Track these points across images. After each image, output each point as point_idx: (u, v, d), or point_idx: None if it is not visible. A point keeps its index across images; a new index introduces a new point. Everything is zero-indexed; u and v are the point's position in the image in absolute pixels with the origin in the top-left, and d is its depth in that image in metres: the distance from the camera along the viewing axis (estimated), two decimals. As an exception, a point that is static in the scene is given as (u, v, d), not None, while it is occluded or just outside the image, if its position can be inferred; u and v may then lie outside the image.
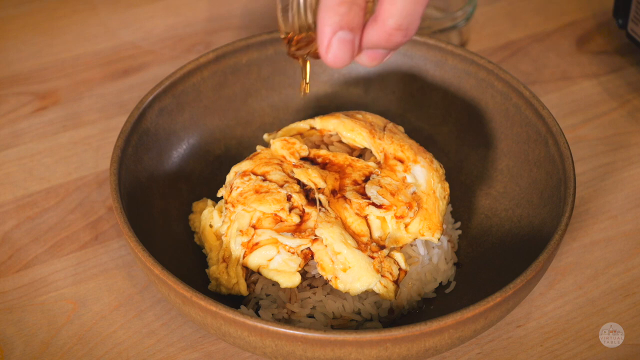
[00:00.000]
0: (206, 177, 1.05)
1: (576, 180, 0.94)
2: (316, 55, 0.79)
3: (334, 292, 0.91)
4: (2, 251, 1.02)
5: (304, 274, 0.91)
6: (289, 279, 0.89)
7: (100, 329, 0.95)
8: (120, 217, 0.88)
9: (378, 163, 0.95)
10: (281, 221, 0.90)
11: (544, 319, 0.96)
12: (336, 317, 0.91)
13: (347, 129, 0.98)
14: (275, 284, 0.92)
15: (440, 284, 0.97)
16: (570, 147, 0.96)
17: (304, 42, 0.81)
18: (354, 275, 0.88)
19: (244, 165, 0.95)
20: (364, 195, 0.92)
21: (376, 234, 0.91)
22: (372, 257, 0.89)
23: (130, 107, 1.14)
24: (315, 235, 0.89)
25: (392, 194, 0.92)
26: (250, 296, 0.93)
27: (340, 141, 0.99)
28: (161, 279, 0.84)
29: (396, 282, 0.89)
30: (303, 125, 1.01)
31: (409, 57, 1.08)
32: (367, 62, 0.75)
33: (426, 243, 0.95)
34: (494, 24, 1.32)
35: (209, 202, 1.00)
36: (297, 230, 0.90)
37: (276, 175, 0.93)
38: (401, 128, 1.01)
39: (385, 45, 0.73)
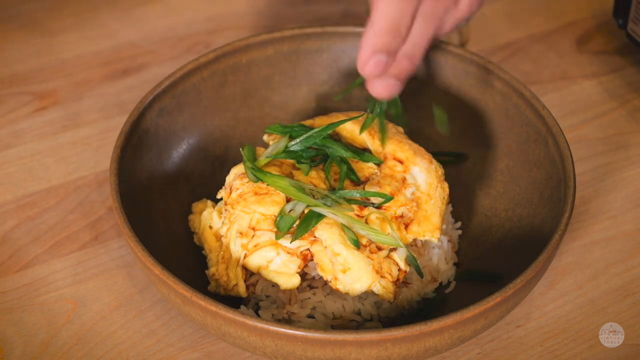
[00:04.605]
0: (206, 177, 1.05)
1: (576, 180, 0.94)
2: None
3: (334, 292, 0.91)
4: (2, 251, 1.02)
5: (303, 274, 0.91)
6: (289, 280, 0.89)
7: (100, 329, 0.95)
8: (120, 217, 0.88)
9: (377, 164, 0.95)
10: (281, 222, 0.90)
11: (544, 319, 0.96)
12: (336, 318, 0.91)
13: (347, 130, 0.98)
14: (275, 284, 0.92)
15: (440, 284, 0.97)
16: (570, 147, 0.96)
17: None
18: (354, 276, 0.88)
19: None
20: (363, 195, 0.92)
21: (376, 234, 0.91)
22: (372, 258, 0.89)
23: (130, 107, 1.14)
24: (315, 237, 0.89)
25: (392, 195, 0.92)
26: (250, 297, 0.93)
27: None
28: (161, 279, 0.84)
29: (395, 283, 0.89)
30: (303, 125, 1.01)
31: (409, 57, 1.08)
32: (381, 91, 0.89)
33: (426, 243, 0.95)
34: (494, 24, 1.32)
35: (209, 202, 1.00)
36: (297, 231, 0.89)
37: (276, 175, 0.93)
38: (401, 129, 1.01)
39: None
